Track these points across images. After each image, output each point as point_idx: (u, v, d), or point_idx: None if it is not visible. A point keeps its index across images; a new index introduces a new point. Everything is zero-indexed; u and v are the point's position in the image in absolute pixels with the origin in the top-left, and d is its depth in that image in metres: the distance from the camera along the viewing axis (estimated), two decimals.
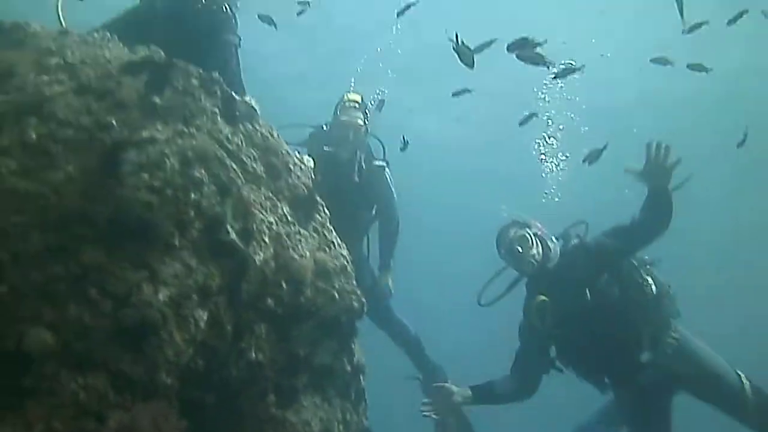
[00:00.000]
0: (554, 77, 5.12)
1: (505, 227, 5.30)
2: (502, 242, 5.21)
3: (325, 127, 6.70)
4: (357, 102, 6.57)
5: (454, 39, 4.06)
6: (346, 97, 6.65)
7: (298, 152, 4.96)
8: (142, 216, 3.16)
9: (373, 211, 6.82)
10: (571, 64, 4.90)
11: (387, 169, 6.70)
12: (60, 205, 3.07)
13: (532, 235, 5.07)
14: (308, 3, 5.65)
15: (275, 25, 5.38)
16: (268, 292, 3.82)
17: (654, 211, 4.75)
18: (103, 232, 3.08)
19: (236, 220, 3.64)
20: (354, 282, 4.54)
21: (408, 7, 6.62)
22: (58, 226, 3.02)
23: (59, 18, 4.63)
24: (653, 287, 4.84)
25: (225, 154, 3.78)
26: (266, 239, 3.85)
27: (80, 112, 3.44)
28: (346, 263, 4.54)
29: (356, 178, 6.43)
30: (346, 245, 4.81)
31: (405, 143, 6.56)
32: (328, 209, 4.74)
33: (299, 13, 6.01)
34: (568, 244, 5.20)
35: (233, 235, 3.55)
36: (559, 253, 5.12)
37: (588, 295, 4.79)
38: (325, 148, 6.31)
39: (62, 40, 3.83)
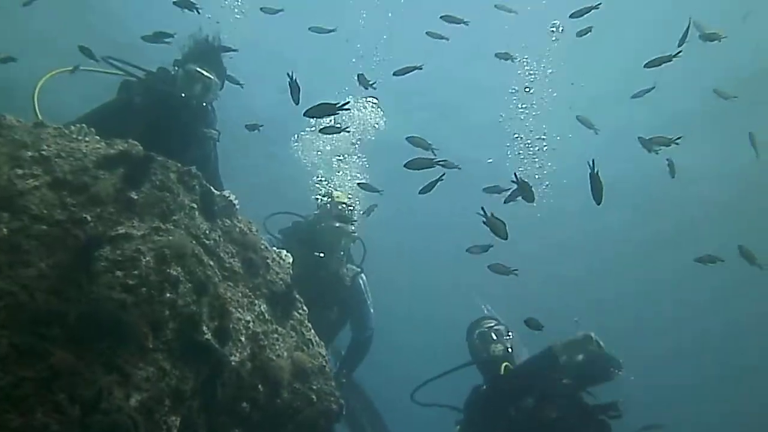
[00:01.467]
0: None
1: (481, 317, 5.67)
2: (476, 328, 5.55)
3: (302, 219, 6.73)
4: (348, 205, 6.62)
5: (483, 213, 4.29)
6: (336, 198, 6.68)
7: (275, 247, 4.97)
8: (115, 315, 3.11)
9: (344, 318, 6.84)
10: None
11: (363, 276, 6.72)
12: (30, 303, 3.02)
13: (507, 335, 5.23)
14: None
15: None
16: (244, 394, 3.75)
17: None
18: (74, 332, 3.02)
19: (212, 320, 3.60)
20: (332, 383, 4.47)
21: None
22: (28, 326, 2.96)
23: (35, 110, 4.67)
24: None
25: (202, 251, 3.77)
26: (243, 339, 3.81)
27: (54, 207, 3.43)
28: (324, 363, 4.48)
29: (345, 284, 6.46)
30: None
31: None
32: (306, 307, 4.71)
33: None
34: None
35: (209, 336, 3.50)
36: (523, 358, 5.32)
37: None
38: (316, 254, 6.30)
39: (37, 132, 3.84)
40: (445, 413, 5.61)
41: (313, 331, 4.59)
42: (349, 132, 6.37)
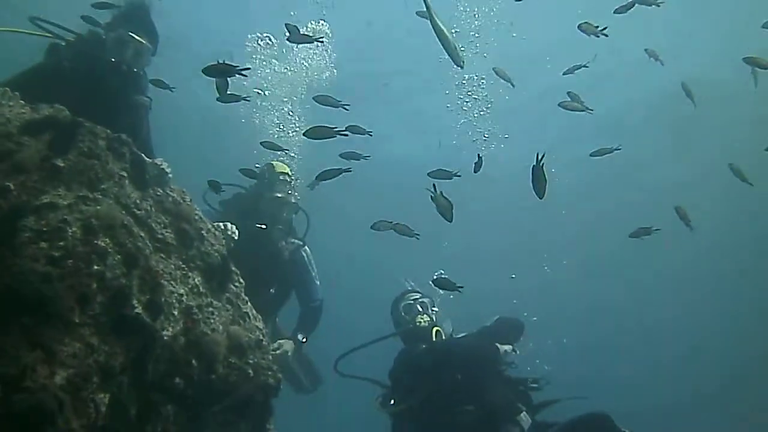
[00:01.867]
0: None
1: (406, 291, 5.79)
2: (401, 301, 5.67)
3: (242, 191, 6.59)
4: (288, 174, 6.49)
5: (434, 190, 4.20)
6: (276, 168, 6.55)
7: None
8: (39, 289, 2.97)
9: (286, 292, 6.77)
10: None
11: (306, 249, 6.64)
12: None
13: (431, 308, 5.46)
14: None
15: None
16: (177, 370, 3.65)
17: None
18: None
19: (143, 293, 3.48)
20: (270, 357, 4.41)
21: None
22: None
23: None
24: None
25: (132, 221, 3.65)
26: (176, 313, 3.70)
27: None
28: (261, 337, 4.40)
29: (284, 258, 6.35)
30: None
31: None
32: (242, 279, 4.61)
33: None
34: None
35: (139, 309, 3.39)
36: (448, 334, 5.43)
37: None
38: (257, 225, 6.18)
39: None
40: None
41: (249, 304, 4.50)
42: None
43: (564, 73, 6.41)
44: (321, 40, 5.27)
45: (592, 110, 6.18)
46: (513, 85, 7.36)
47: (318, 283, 6.71)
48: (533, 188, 3.81)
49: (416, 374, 5.17)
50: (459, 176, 4.76)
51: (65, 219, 3.25)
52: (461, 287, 4.65)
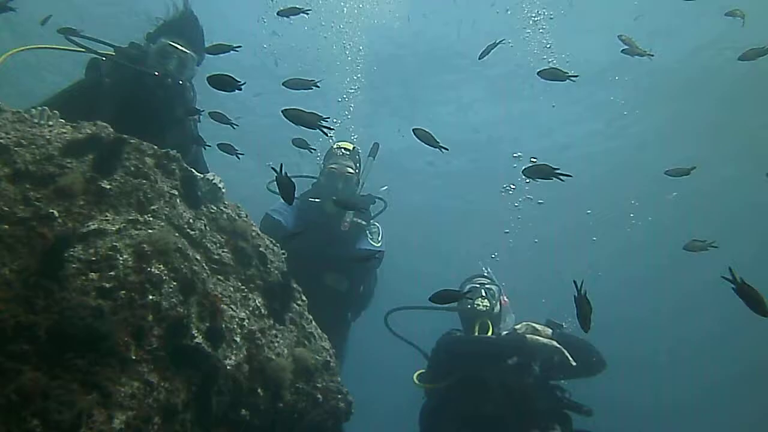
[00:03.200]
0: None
1: (477, 273, 5.63)
2: (469, 281, 5.53)
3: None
4: (348, 149, 6.26)
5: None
6: (336, 144, 6.36)
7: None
8: (91, 325, 2.78)
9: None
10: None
11: (374, 225, 6.35)
12: None
13: (498, 297, 5.35)
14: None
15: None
16: (243, 400, 3.45)
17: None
18: (45, 347, 2.70)
19: (202, 321, 3.29)
20: (339, 379, 4.19)
21: None
22: None
23: None
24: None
25: (187, 243, 3.45)
26: (238, 339, 3.50)
27: (16, 203, 3.11)
28: (328, 357, 4.19)
29: (342, 228, 6.10)
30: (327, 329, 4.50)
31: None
32: (304, 295, 4.39)
33: None
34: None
35: (200, 339, 3.18)
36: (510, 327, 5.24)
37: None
38: (310, 199, 6.02)
39: None
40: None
41: (314, 323, 4.29)
42: None
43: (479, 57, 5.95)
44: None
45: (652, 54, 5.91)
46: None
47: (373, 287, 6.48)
48: (578, 320, 3.54)
49: (452, 359, 5.12)
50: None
51: (115, 246, 3.06)
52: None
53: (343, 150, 6.35)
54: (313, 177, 6.56)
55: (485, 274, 5.77)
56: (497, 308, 5.35)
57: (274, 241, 4.35)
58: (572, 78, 4.62)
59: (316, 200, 6.17)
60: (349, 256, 5.81)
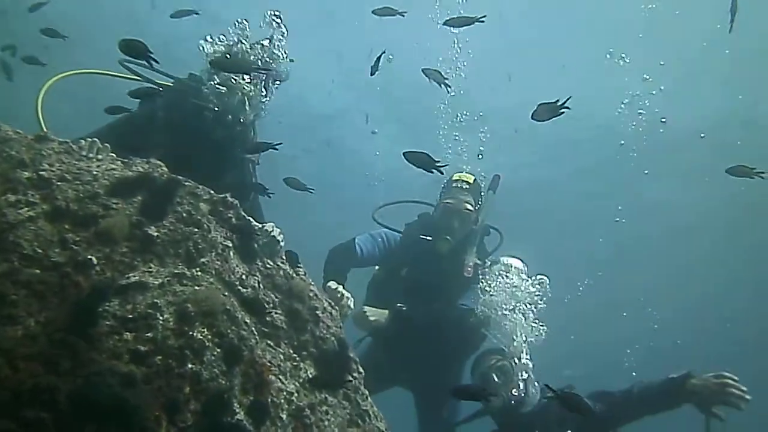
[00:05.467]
0: None
1: (486, 351, 5.20)
2: (479, 366, 5.07)
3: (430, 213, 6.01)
4: (469, 182, 5.85)
5: None
6: (455, 176, 5.94)
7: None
8: (119, 395, 2.49)
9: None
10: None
11: (493, 267, 5.80)
12: (12, 376, 2.43)
13: (515, 371, 4.88)
14: None
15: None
16: None
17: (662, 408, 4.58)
18: (65, 417, 2.42)
19: (246, 393, 2.98)
20: None
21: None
22: (7, 408, 2.37)
23: (38, 119, 4.12)
24: None
25: (236, 304, 3.16)
26: (284, 416, 3.17)
27: (52, 244, 2.88)
28: None
29: (465, 273, 5.53)
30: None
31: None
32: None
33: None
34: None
35: (241, 416, 2.87)
36: (536, 401, 4.88)
37: None
38: (421, 236, 5.61)
39: (39, 148, 3.28)
40: None
41: (370, 399, 3.94)
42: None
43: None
44: None
45: None
46: None
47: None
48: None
49: None
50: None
51: (155, 303, 2.80)
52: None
53: (463, 183, 5.87)
54: (428, 204, 6.12)
55: (495, 345, 5.30)
56: (519, 389, 4.88)
57: (332, 303, 4.03)
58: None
59: (428, 237, 5.66)
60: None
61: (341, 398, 3.75)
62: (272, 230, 3.78)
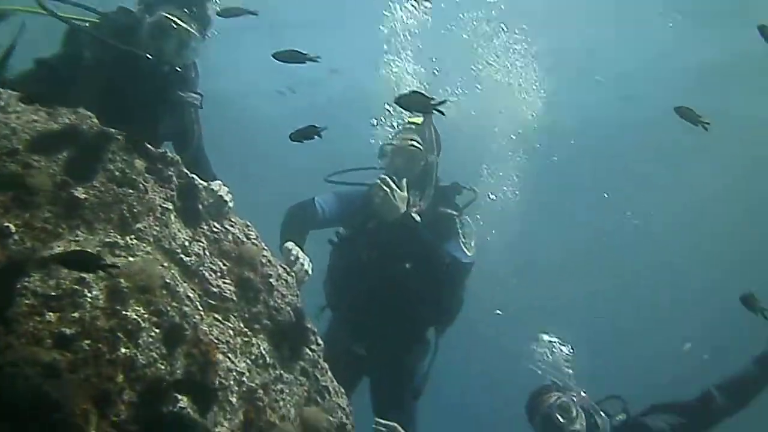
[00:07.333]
0: None
1: (541, 389, 5.01)
2: (538, 407, 4.85)
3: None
4: (416, 123, 5.52)
5: None
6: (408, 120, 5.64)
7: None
8: (40, 388, 2.20)
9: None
10: None
11: (463, 218, 5.46)
12: None
13: (576, 405, 4.73)
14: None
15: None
16: None
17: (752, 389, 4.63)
18: None
19: (190, 377, 2.72)
20: None
21: None
22: None
23: None
24: None
25: (178, 275, 2.88)
26: (234, 399, 2.93)
27: None
28: (345, 418, 3.63)
29: (412, 211, 5.10)
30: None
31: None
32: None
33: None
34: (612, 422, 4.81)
35: (184, 403, 2.61)
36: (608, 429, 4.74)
37: None
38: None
39: None
40: None
41: (329, 374, 3.70)
42: None
43: None
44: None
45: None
46: None
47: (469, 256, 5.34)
48: None
49: None
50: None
51: (83, 278, 2.50)
52: None
53: (410, 125, 5.55)
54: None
55: (551, 383, 5.17)
56: (580, 423, 4.76)
57: (287, 269, 3.75)
58: None
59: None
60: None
61: (298, 374, 3.53)
62: (219, 189, 3.48)
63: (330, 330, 5.31)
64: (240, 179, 4.44)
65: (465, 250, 5.27)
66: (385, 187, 4.86)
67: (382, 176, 4.97)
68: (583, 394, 4.87)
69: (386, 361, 5.31)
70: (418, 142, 5.35)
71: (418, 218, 5.03)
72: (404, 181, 5.04)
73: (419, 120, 5.51)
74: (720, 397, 4.59)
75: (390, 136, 5.69)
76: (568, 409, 4.69)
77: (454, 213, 5.37)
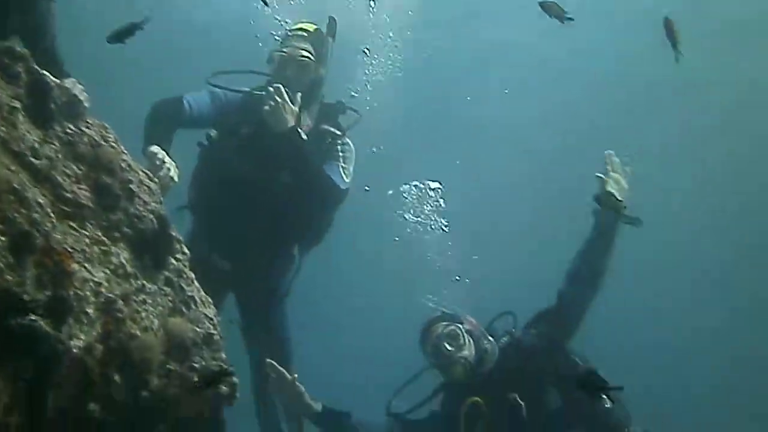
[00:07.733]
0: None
1: (431, 320, 5.10)
2: (428, 339, 4.97)
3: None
4: (308, 30, 5.42)
5: None
6: (294, 26, 5.54)
7: None
8: None
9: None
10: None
11: (347, 143, 5.48)
12: None
13: (464, 332, 4.86)
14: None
15: None
16: (93, 392, 2.78)
17: (589, 267, 4.83)
18: None
19: (41, 288, 2.56)
20: (223, 355, 3.55)
21: None
22: None
23: None
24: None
25: (27, 180, 2.68)
26: (90, 311, 2.78)
27: None
28: (212, 329, 3.53)
29: (301, 129, 5.07)
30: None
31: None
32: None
33: None
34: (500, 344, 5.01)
35: (35, 316, 2.46)
36: (496, 355, 4.91)
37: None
38: (254, 92, 5.26)
39: None
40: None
41: (196, 283, 3.60)
42: None
43: None
44: None
45: None
46: None
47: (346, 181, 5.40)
48: None
49: None
50: None
51: None
52: None
53: (300, 32, 5.43)
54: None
55: (435, 308, 5.34)
56: (473, 350, 4.88)
57: (150, 175, 3.59)
58: None
59: (262, 93, 5.18)
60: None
61: (162, 284, 3.40)
62: (73, 87, 3.26)
63: (189, 235, 5.20)
64: None
65: (343, 175, 5.25)
66: (277, 97, 4.77)
67: (277, 85, 4.89)
68: (471, 320, 4.99)
69: (249, 274, 5.29)
70: (310, 53, 5.24)
71: (305, 136, 4.96)
72: (298, 95, 4.97)
73: (312, 27, 5.39)
74: (567, 287, 4.81)
75: (280, 41, 5.54)
76: (456, 337, 4.80)
77: (338, 132, 5.32)
